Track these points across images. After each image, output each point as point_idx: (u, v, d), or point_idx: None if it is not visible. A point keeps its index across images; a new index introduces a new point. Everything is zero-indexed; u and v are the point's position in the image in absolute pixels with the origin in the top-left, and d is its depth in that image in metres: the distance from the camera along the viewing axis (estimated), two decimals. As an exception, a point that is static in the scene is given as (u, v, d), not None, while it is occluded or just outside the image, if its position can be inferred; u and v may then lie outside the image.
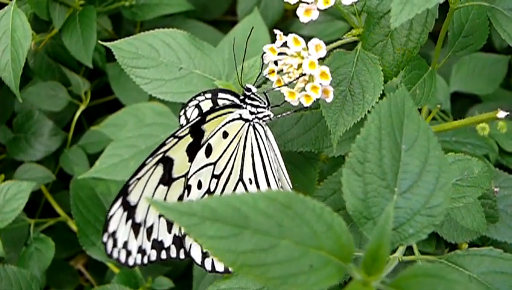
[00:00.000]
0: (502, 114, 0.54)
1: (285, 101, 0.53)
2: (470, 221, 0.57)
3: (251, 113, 0.55)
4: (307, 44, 0.51)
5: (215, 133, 0.55)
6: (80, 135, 0.99)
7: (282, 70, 0.52)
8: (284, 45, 0.52)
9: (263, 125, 0.55)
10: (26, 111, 0.96)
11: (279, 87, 0.53)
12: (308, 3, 0.50)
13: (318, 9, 0.50)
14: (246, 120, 0.55)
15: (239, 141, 0.55)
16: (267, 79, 0.54)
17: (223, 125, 0.55)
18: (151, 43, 0.66)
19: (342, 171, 0.39)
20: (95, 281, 0.98)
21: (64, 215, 0.93)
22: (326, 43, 0.58)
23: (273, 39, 0.55)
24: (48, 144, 0.96)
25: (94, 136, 0.97)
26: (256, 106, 0.55)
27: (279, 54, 0.52)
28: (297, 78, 0.51)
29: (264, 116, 0.55)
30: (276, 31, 0.53)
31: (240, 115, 0.55)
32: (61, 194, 0.97)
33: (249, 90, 0.56)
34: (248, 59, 0.65)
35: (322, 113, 0.54)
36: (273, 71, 0.53)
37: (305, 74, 0.50)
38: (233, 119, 0.55)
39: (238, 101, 0.56)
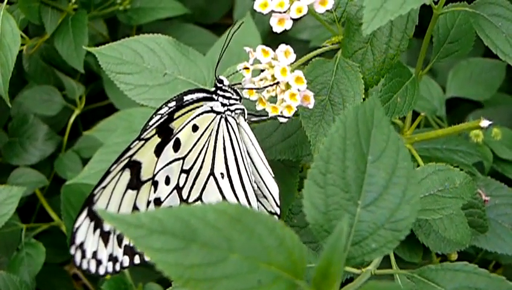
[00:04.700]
0: (485, 123, 0.52)
1: (262, 114, 0.52)
2: (453, 232, 0.55)
3: (223, 105, 0.54)
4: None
5: (183, 126, 0.54)
6: (77, 139, 0.99)
7: (260, 87, 0.51)
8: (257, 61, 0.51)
9: (236, 118, 0.54)
10: (21, 115, 0.96)
11: (262, 107, 0.52)
12: (280, 13, 0.49)
13: (291, 18, 0.49)
14: (218, 113, 0.54)
15: (210, 134, 0.54)
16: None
17: (192, 119, 0.54)
18: (135, 48, 0.65)
19: (304, 183, 0.38)
20: (92, 286, 0.98)
21: (58, 219, 0.93)
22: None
23: (264, 43, 0.54)
24: (43, 148, 0.95)
25: (89, 141, 0.96)
26: (228, 98, 0.54)
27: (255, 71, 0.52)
28: (271, 86, 0.50)
29: (236, 109, 0.54)
30: (246, 48, 0.52)
31: (211, 107, 0.54)
32: (56, 198, 0.97)
33: (221, 81, 0.55)
34: (234, 64, 0.64)
35: (301, 121, 0.53)
36: (252, 89, 0.52)
37: (278, 82, 0.49)
38: (203, 112, 0.54)
39: (207, 94, 0.55)
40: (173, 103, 0.55)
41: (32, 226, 0.91)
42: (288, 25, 0.49)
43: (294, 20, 0.49)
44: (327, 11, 0.51)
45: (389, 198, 0.38)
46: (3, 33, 0.74)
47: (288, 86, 0.50)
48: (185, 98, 0.55)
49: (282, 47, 0.50)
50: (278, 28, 0.50)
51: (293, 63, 0.50)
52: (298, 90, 0.49)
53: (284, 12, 0.49)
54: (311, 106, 0.51)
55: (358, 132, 0.39)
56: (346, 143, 0.38)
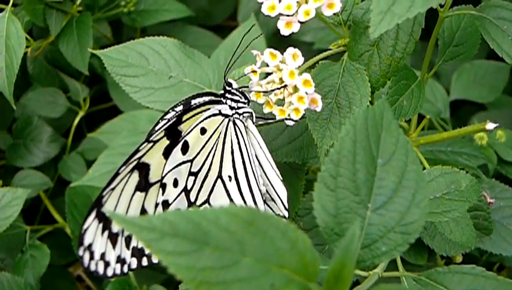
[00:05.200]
0: (490, 126, 0.53)
1: (269, 117, 0.52)
2: (459, 235, 0.55)
3: (231, 108, 0.54)
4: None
5: (192, 129, 0.54)
6: (81, 141, 0.99)
7: (268, 90, 0.51)
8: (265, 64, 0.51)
9: (244, 121, 0.54)
10: (26, 117, 0.96)
11: (270, 110, 0.52)
12: (288, 16, 0.49)
13: (299, 21, 0.49)
14: (226, 116, 0.54)
15: (218, 136, 0.54)
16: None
17: (200, 122, 0.54)
18: (140, 51, 0.65)
19: (314, 186, 0.38)
20: (96, 288, 0.98)
21: (62, 221, 0.93)
22: (325, 50, 0.58)
23: (268, 45, 0.54)
24: (47, 150, 0.96)
25: (93, 143, 0.96)
26: (237, 101, 0.54)
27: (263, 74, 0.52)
28: (279, 89, 0.50)
29: (245, 112, 0.54)
30: (254, 51, 0.52)
31: (219, 110, 0.54)
32: (60, 200, 0.97)
33: (230, 85, 0.55)
34: (241, 66, 0.64)
35: (307, 124, 0.53)
36: (259, 92, 0.52)
37: (286, 85, 0.50)
38: (212, 115, 0.54)
39: (215, 98, 0.55)
40: (180, 107, 0.55)
41: (37, 228, 0.91)
42: (295, 28, 0.49)
43: (301, 23, 0.50)
44: (335, 14, 0.51)
45: (398, 201, 0.38)
46: (8, 35, 0.75)
47: (296, 89, 0.50)
48: (193, 101, 0.55)
49: (290, 50, 0.50)
50: (285, 31, 0.50)
51: (300, 66, 0.50)
52: (306, 93, 0.49)
53: (292, 15, 0.49)
54: (319, 109, 0.51)
55: (368, 135, 0.39)
56: (356, 146, 0.39)
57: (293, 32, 0.50)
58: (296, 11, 0.49)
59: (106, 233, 0.54)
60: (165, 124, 0.54)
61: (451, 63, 0.60)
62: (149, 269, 0.90)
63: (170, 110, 0.56)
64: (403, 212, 0.38)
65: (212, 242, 0.32)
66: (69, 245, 0.92)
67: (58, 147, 0.96)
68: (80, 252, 0.54)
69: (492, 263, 0.82)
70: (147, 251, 0.55)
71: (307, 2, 0.49)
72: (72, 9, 0.88)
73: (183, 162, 0.54)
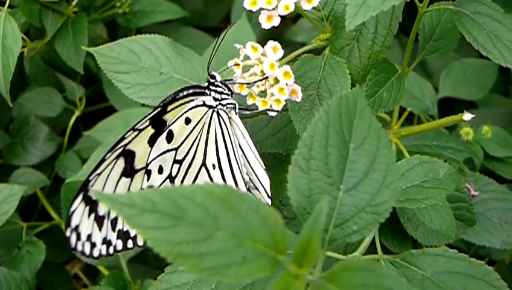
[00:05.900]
0: (467, 116, 0.54)
1: (253, 108, 0.54)
2: (439, 223, 0.57)
3: (215, 99, 0.56)
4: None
5: (176, 119, 0.56)
6: (77, 140, 1.01)
7: (250, 82, 0.53)
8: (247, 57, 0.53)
9: (227, 112, 0.56)
10: (23, 117, 0.98)
11: (253, 101, 0.54)
12: (269, 10, 0.51)
13: (279, 15, 0.51)
14: (210, 106, 0.56)
15: (202, 127, 0.56)
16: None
17: (185, 112, 0.56)
18: (132, 48, 0.67)
19: (288, 168, 0.40)
20: (92, 285, 1.00)
21: (58, 219, 0.94)
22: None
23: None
24: (44, 149, 0.97)
25: (89, 141, 0.98)
26: (220, 93, 0.56)
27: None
28: (261, 80, 0.52)
29: (228, 104, 0.56)
30: (236, 45, 0.54)
31: (203, 101, 0.56)
32: (57, 198, 0.98)
33: (214, 77, 0.57)
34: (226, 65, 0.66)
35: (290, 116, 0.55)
36: (242, 84, 0.54)
37: (267, 77, 0.52)
38: (196, 106, 0.56)
39: (200, 90, 0.57)
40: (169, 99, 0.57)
41: (33, 224, 0.93)
42: (276, 21, 0.51)
43: (282, 17, 0.51)
44: (316, 9, 0.53)
45: (369, 183, 0.40)
46: (5, 35, 0.77)
47: (276, 80, 0.52)
48: (180, 94, 0.57)
49: (271, 43, 0.52)
50: (266, 25, 0.52)
51: (281, 59, 0.52)
52: (286, 84, 0.51)
53: (273, 9, 0.51)
54: (299, 100, 0.53)
55: (341, 121, 0.41)
56: (329, 131, 0.40)
57: (273, 26, 0.52)
58: (276, 6, 0.51)
59: (93, 215, 0.56)
60: (150, 114, 0.56)
61: (432, 57, 0.62)
62: (143, 264, 0.92)
63: (161, 104, 0.58)
64: (374, 193, 0.40)
65: (189, 218, 0.34)
66: (65, 243, 0.93)
67: (55, 145, 0.98)
68: (67, 233, 0.57)
69: (481, 257, 0.83)
70: (132, 233, 0.58)
71: (286, -4, 0.51)
72: (68, 10, 0.90)
73: (168, 150, 0.56)
